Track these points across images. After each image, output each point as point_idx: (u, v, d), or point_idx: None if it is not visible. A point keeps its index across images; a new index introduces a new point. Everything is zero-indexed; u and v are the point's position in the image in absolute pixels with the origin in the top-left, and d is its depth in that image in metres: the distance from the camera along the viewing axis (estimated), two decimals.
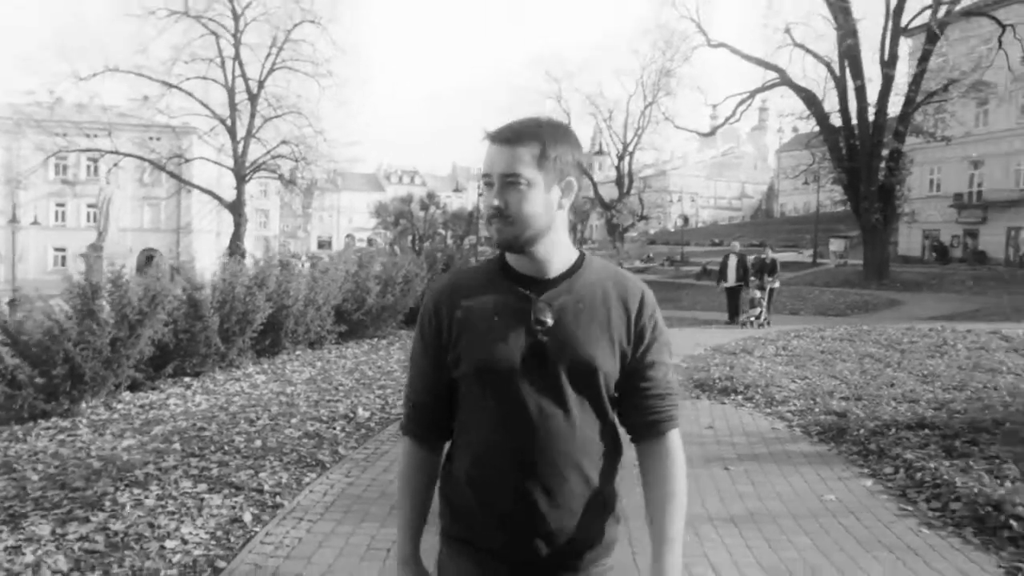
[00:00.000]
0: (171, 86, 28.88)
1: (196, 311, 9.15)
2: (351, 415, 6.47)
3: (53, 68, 48.88)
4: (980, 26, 28.78)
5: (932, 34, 26.45)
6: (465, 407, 1.45)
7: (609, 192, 53.35)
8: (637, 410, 1.48)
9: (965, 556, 3.60)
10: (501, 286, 1.42)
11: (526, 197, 1.37)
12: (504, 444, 1.38)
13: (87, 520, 3.95)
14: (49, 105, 33.92)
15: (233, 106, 30.51)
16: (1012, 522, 3.76)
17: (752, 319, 14.92)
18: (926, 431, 5.52)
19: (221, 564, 3.47)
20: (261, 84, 30.45)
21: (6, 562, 3.44)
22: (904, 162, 30.06)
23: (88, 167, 44.91)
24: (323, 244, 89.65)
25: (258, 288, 9.62)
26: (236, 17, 29.88)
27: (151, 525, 3.90)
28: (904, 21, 27.37)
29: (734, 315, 15.72)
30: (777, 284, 16.04)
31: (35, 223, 41.08)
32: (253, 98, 30.41)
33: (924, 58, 27.03)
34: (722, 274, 16.14)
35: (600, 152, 54.22)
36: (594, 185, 49.92)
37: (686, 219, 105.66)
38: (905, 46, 30.17)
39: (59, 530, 3.82)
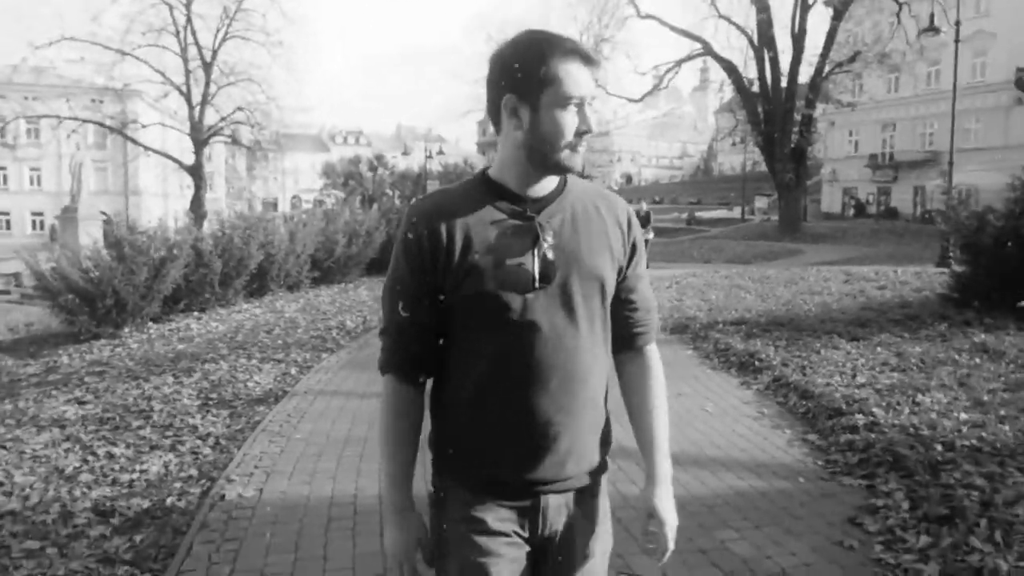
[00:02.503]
0: (126, 54, 29.94)
1: (201, 258, 11.26)
2: (341, 327, 8.83)
3: (7, 32, 48.62)
4: (882, 3, 31.63)
5: (837, 11, 29.30)
6: (466, 330, 1.37)
7: None
8: (623, 322, 1.49)
9: (725, 380, 6.18)
10: (495, 205, 1.37)
11: None
12: (518, 363, 1.34)
13: (190, 375, 6.25)
14: None
15: (188, 73, 31.72)
16: (756, 362, 6.38)
17: None
18: (742, 326, 8.14)
19: (287, 390, 5.85)
20: (215, 53, 31.68)
21: (156, 392, 5.73)
22: (815, 126, 33.15)
23: (29, 131, 44.89)
24: (268, 205, 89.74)
25: (251, 238, 11.77)
26: None
27: (233, 378, 6.23)
28: None
29: None
30: (651, 235, 17.64)
31: None
32: (207, 66, 31.62)
33: (831, 32, 29.91)
34: None
35: None
36: None
37: (629, 178, 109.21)
38: (817, 18, 33.00)
39: (175, 380, 6.12)
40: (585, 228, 1.40)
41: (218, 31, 31.71)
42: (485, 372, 1.36)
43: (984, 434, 4.19)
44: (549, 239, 1.35)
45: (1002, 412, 4.64)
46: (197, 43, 31.60)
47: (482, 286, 1.33)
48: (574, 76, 1.30)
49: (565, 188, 1.42)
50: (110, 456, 4.27)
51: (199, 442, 4.55)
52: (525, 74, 1.30)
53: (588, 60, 1.32)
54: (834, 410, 4.84)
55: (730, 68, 32.13)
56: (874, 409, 4.73)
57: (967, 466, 3.75)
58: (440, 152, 48.48)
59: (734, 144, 49.85)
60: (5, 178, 50.83)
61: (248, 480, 3.91)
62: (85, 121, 30.88)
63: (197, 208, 29.68)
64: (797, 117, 31.34)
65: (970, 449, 3.99)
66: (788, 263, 21.40)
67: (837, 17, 29.41)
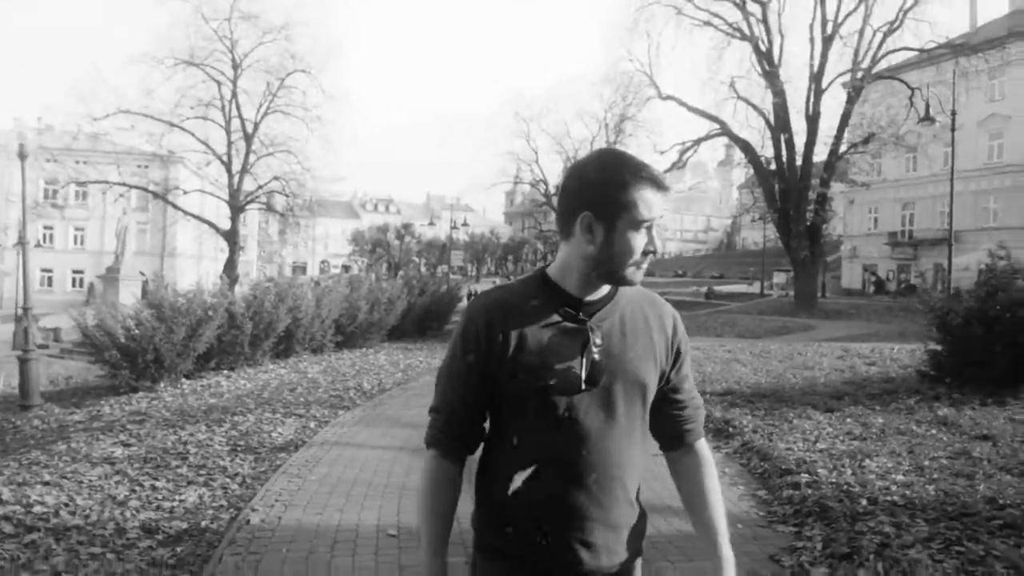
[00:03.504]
0: (175, 126, 31.94)
1: (233, 320, 12.17)
2: (359, 388, 9.59)
3: (70, 108, 52.21)
4: (895, 87, 32.74)
5: (850, 96, 30.46)
6: (514, 422, 1.47)
7: None
8: (672, 420, 1.59)
9: None
10: (552, 306, 1.46)
11: None
12: (559, 459, 1.43)
13: (221, 425, 7.02)
14: (41, 131, 36.60)
15: (230, 144, 33.65)
16: (730, 429, 7.00)
17: None
18: (727, 396, 8.76)
19: (306, 440, 6.59)
20: (256, 125, 33.67)
21: (191, 438, 6.49)
22: (830, 205, 33.93)
23: (77, 193, 47.08)
24: (297, 269, 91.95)
25: (280, 302, 12.69)
26: (235, 66, 33.18)
27: (259, 428, 6.99)
28: (825, 83, 31.31)
29: None
30: None
31: (39, 245, 43.55)
32: (248, 138, 33.57)
33: (845, 116, 30.99)
34: None
35: None
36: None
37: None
38: (833, 101, 34.21)
39: (207, 429, 6.89)
40: (632, 334, 1.49)
41: (261, 105, 33.80)
42: (527, 465, 1.45)
43: (908, 492, 4.79)
44: (598, 343, 1.44)
45: (935, 475, 5.23)
46: (240, 116, 33.65)
47: (532, 385, 1.42)
48: (648, 201, 1.42)
49: (617, 293, 1.51)
50: (154, 488, 5.03)
51: (228, 480, 5.29)
52: (606, 196, 1.42)
53: (660, 186, 1.45)
54: (784, 470, 5.46)
55: (747, 147, 33.17)
56: (819, 470, 5.34)
57: (882, 516, 4.35)
58: (464, 224, 50.02)
59: (754, 220, 50.79)
60: (51, 237, 52.96)
61: (270, 510, 4.63)
62: (132, 187, 32.70)
63: (230, 271, 31.02)
64: (812, 196, 32.17)
65: (890, 503, 4.59)
66: (798, 338, 21.86)
67: (851, 101, 30.52)
